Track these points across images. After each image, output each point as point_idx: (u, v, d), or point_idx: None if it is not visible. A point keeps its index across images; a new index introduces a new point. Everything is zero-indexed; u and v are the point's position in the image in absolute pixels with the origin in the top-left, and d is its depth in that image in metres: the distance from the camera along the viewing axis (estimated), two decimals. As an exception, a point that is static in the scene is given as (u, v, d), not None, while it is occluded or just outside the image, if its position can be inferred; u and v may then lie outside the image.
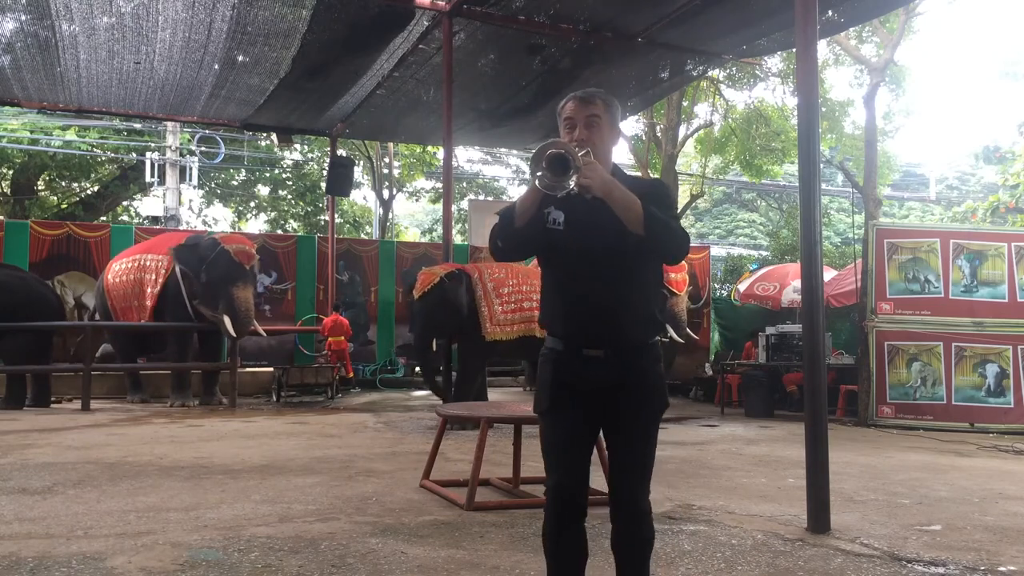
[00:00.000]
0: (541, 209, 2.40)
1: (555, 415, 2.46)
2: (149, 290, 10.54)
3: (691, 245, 2.48)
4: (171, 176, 19.40)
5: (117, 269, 11.12)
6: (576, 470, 2.45)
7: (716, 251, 19.40)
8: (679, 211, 17.73)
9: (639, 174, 16.14)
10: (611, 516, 2.48)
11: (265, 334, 11.49)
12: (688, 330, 12.27)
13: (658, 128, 16.50)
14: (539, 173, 2.26)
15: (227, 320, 10.04)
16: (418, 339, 8.94)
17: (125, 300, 10.86)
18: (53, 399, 10.19)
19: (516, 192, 25.41)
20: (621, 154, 24.46)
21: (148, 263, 10.69)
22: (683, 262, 12.13)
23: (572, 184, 2.23)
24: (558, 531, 2.47)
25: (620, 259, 2.39)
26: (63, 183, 20.97)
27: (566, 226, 2.42)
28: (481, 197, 24.14)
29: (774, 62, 15.25)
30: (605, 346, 2.41)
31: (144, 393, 10.93)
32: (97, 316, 11.58)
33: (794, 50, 5.70)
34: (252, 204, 24.39)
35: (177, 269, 10.36)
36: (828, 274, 11.99)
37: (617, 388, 2.40)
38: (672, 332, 11.15)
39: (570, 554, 2.48)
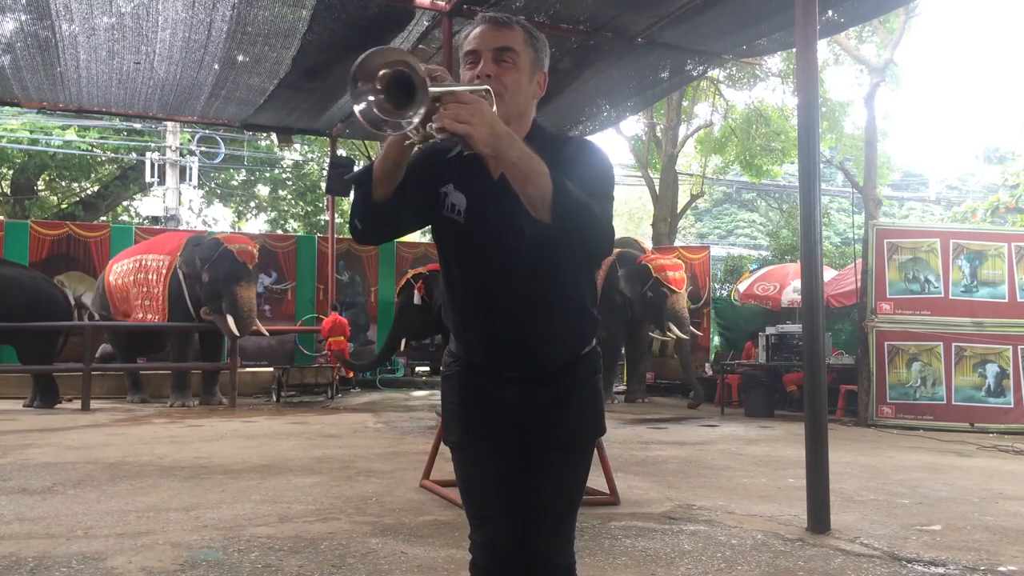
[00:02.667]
0: (430, 184, 1.74)
1: (470, 449, 1.85)
2: (155, 290, 10.61)
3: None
4: (171, 176, 19.41)
5: (118, 270, 11.15)
6: (510, 520, 1.81)
7: (716, 251, 19.37)
8: (679, 211, 17.95)
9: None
10: (525, 570, 1.83)
11: (268, 333, 11.49)
12: (692, 327, 12.23)
13: (658, 128, 16.51)
14: (370, 97, 1.44)
15: (230, 319, 10.05)
16: (388, 338, 9.17)
17: (126, 300, 10.91)
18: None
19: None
20: (621, 154, 24.42)
21: (149, 263, 10.75)
22: (680, 261, 12.19)
23: (415, 121, 1.44)
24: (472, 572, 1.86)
25: (542, 255, 1.68)
26: (63, 183, 20.97)
27: (467, 215, 1.73)
28: (481, 197, 24.12)
29: (774, 62, 15.24)
30: (524, 367, 1.80)
31: (144, 393, 10.94)
32: (96, 316, 11.59)
33: (794, 50, 5.69)
34: (252, 204, 24.39)
35: (179, 269, 10.40)
36: (828, 274, 11.98)
37: (542, 412, 1.80)
38: (676, 330, 11.13)
39: None
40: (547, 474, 1.82)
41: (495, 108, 1.55)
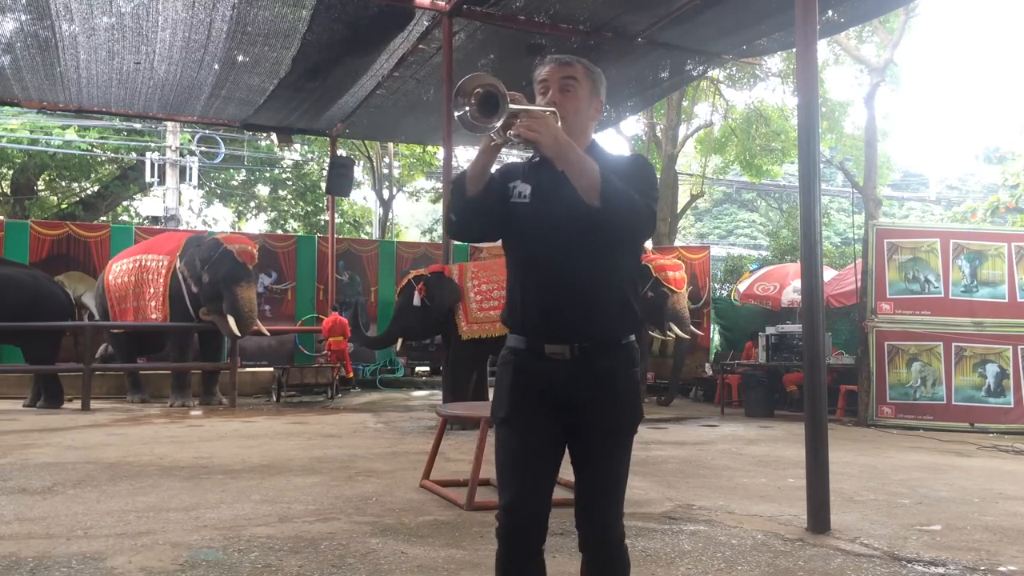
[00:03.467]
0: (505, 182, 2.15)
1: (515, 423, 2.09)
2: (154, 290, 10.62)
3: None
4: (171, 176, 19.40)
5: (117, 270, 11.16)
6: (537, 490, 2.06)
7: (716, 251, 19.37)
8: (679, 211, 17.94)
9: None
10: (580, 546, 2.11)
11: (268, 333, 11.48)
12: (693, 327, 12.22)
13: (658, 128, 16.50)
14: (465, 108, 1.95)
15: (231, 320, 10.05)
16: (387, 331, 9.37)
17: (125, 300, 10.91)
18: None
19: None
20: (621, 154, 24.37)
21: (149, 263, 10.74)
22: (680, 261, 12.20)
23: (497, 126, 1.92)
24: (509, 567, 2.07)
25: (593, 238, 2.04)
26: (63, 183, 20.97)
27: (532, 199, 2.11)
28: (481, 197, 24.10)
29: (774, 62, 15.24)
30: (571, 341, 2.07)
31: (144, 393, 10.94)
32: (97, 316, 11.61)
33: (794, 50, 5.70)
34: (252, 204, 24.38)
35: (178, 270, 10.40)
36: (828, 274, 11.98)
37: (585, 396, 2.06)
38: (677, 329, 11.13)
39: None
40: (598, 458, 2.09)
41: (560, 125, 2.02)
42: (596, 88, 2.22)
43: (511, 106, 1.93)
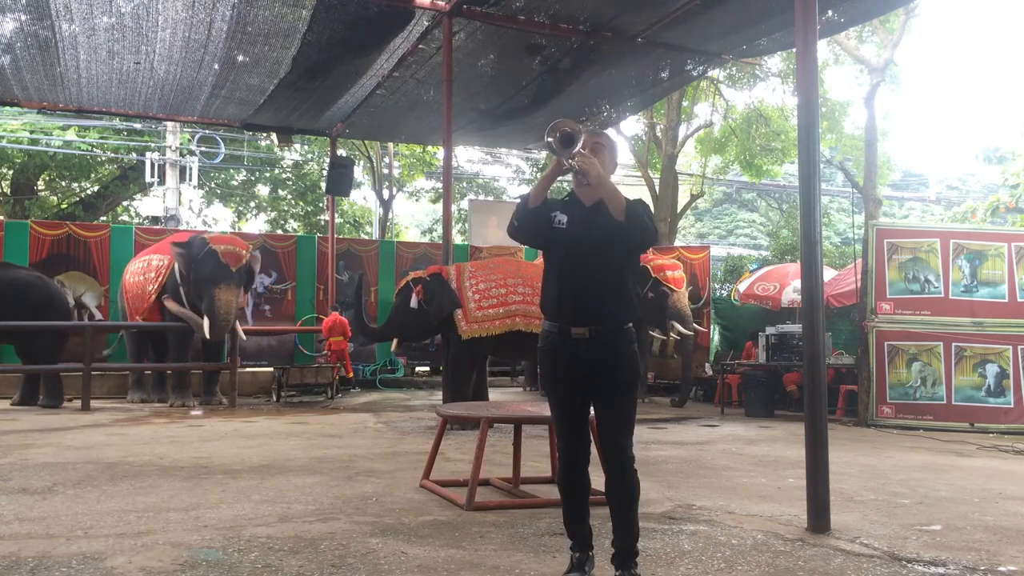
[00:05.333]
0: (548, 211, 3.10)
1: (557, 396, 3.14)
2: (149, 288, 10.67)
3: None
4: (171, 176, 19.40)
5: (131, 269, 11.43)
6: (578, 435, 3.14)
7: (716, 251, 19.35)
8: (679, 211, 17.99)
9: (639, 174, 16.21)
10: (603, 466, 3.11)
11: (245, 337, 11.35)
12: (695, 324, 12.22)
13: (658, 128, 16.49)
14: (550, 139, 2.94)
15: (205, 321, 10.00)
16: (383, 327, 9.39)
17: (134, 300, 11.12)
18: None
19: (516, 192, 25.40)
20: (621, 154, 24.38)
21: (154, 263, 10.88)
22: (678, 261, 12.23)
23: (575, 157, 2.93)
24: (567, 478, 3.19)
25: (606, 255, 3.06)
26: (63, 183, 20.97)
27: (567, 226, 3.08)
28: (481, 197, 24.11)
29: (774, 62, 15.24)
30: (590, 325, 3.03)
31: (145, 392, 10.95)
32: (98, 316, 11.72)
33: (794, 50, 5.70)
34: (252, 204, 24.38)
35: (176, 269, 10.44)
36: (828, 274, 11.98)
37: (599, 364, 3.02)
38: (680, 327, 11.12)
39: (577, 493, 3.18)
40: (613, 404, 3.07)
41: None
42: (614, 152, 3.28)
43: (579, 147, 2.93)
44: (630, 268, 3.14)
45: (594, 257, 3.04)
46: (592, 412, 3.18)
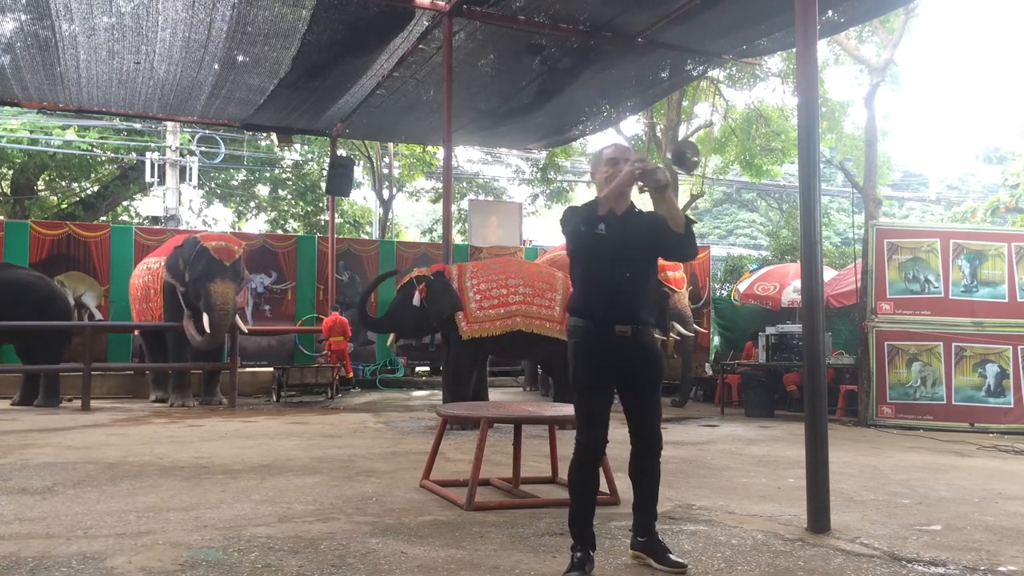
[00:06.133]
0: (595, 224, 3.34)
1: (593, 391, 3.29)
2: (156, 290, 10.80)
3: None
4: (171, 176, 19.40)
5: (137, 272, 11.54)
6: (606, 425, 3.32)
7: (716, 251, 19.38)
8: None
9: None
10: (637, 452, 3.40)
11: (247, 331, 11.34)
12: (695, 325, 12.22)
13: (658, 128, 16.48)
14: (669, 154, 3.57)
15: (205, 317, 9.98)
16: (382, 318, 9.41)
17: (138, 301, 11.26)
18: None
19: (516, 192, 25.43)
20: (621, 154, 24.30)
21: (154, 265, 10.94)
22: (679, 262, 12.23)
23: (667, 175, 3.31)
24: (588, 475, 3.32)
25: (642, 261, 3.39)
26: (63, 183, 20.97)
27: (607, 233, 3.33)
28: (481, 197, 24.12)
29: (774, 62, 15.23)
30: (632, 324, 3.29)
31: (162, 391, 10.93)
32: (98, 316, 11.76)
33: (794, 50, 5.69)
34: (252, 204, 24.37)
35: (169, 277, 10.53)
36: (828, 274, 11.97)
37: (638, 361, 3.30)
38: (680, 328, 11.12)
39: (590, 489, 3.33)
40: (651, 396, 3.38)
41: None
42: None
43: (659, 166, 3.36)
44: (655, 270, 3.51)
45: (633, 262, 3.34)
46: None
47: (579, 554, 3.21)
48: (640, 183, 3.26)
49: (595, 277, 3.34)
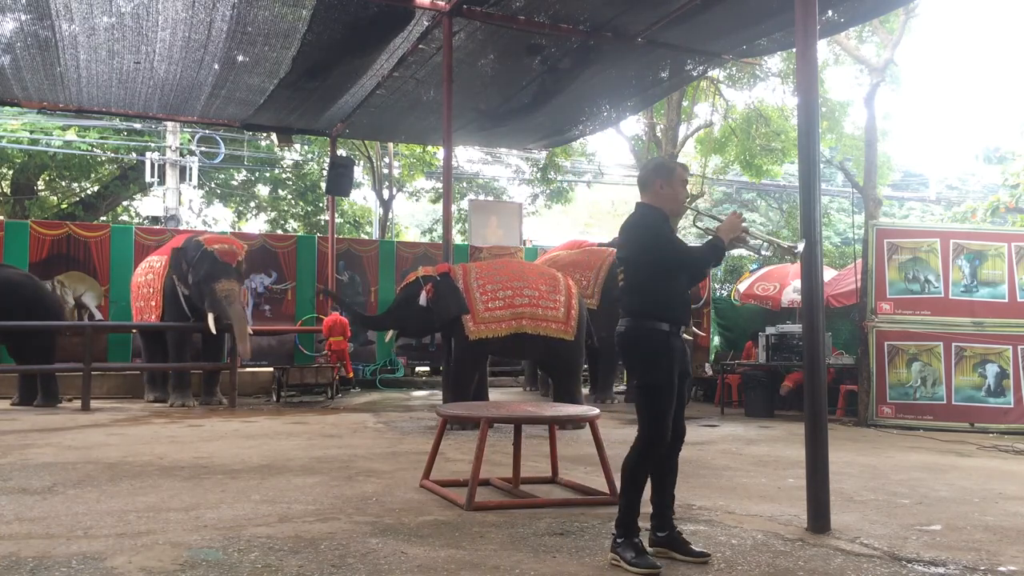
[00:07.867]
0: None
1: (672, 389, 3.51)
2: (154, 290, 10.79)
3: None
4: (171, 176, 19.39)
5: (139, 271, 11.52)
6: (672, 423, 3.55)
7: (716, 251, 19.30)
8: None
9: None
10: (674, 445, 3.64)
11: (252, 332, 11.34)
12: (694, 328, 12.24)
13: (658, 128, 16.48)
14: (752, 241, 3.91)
15: (211, 316, 10.01)
16: (382, 316, 9.43)
17: (138, 300, 11.24)
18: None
19: (516, 192, 25.43)
20: (621, 154, 24.39)
21: (155, 265, 10.92)
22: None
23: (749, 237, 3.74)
24: (653, 465, 3.53)
25: (695, 276, 4.11)
26: (63, 183, 20.96)
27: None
28: (481, 197, 24.12)
29: (774, 62, 15.22)
30: (686, 327, 3.69)
31: (159, 392, 10.92)
32: (99, 316, 11.76)
33: (794, 50, 5.69)
34: (252, 204, 24.36)
35: (171, 271, 10.50)
36: (828, 274, 11.98)
37: (686, 360, 3.65)
38: None
39: (645, 482, 3.54)
40: (683, 395, 3.62)
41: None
42: None
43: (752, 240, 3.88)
44: None
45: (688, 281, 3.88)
46: None
47: (637, 540, 3.41)
48: (742, 234, 3.60)
49: (678, 283, 3.66)
